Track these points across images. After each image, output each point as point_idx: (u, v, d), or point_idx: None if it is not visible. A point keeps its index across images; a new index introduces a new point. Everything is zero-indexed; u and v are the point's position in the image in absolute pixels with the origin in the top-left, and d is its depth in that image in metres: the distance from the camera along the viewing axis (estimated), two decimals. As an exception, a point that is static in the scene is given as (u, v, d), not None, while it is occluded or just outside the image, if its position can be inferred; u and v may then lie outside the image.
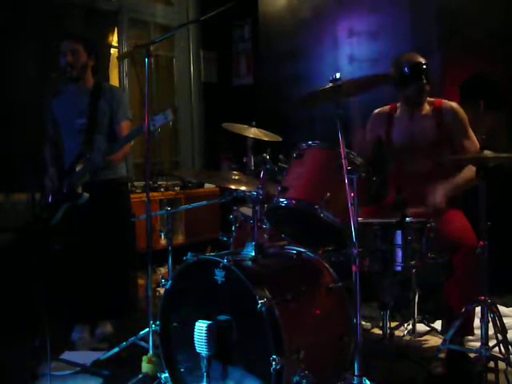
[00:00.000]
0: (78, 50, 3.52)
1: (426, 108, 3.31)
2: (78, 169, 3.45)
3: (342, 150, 2.25)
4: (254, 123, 3.34)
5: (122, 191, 3.80)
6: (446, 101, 3.31)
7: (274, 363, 2.15)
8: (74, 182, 3.42)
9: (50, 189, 3.55)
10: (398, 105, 3.42)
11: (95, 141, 3.54)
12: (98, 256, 3.55)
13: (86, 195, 3.40)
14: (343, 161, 2.23)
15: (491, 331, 2.71)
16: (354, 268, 2.16)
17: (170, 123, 2.89)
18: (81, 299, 3.59)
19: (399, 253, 2.68)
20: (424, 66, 3.21)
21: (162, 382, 2.61)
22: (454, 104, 3.29)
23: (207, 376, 2.33)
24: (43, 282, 3.56)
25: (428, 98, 3.32)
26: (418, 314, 3.40)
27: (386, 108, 3.45)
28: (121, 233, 3.65)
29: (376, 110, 3.49)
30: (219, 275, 2.39)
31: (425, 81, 3.20)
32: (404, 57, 3.28)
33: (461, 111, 3.25)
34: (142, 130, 3.11)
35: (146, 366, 2.72)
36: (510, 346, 2.70)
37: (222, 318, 2.36)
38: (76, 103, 3.59)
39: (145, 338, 3.03)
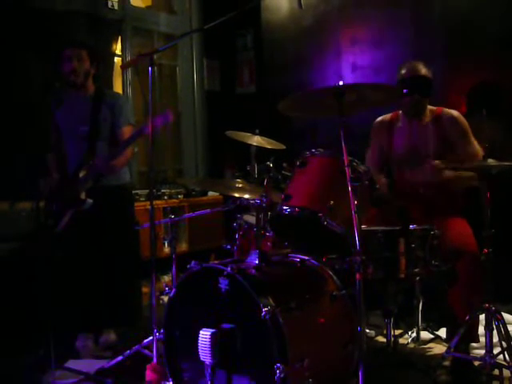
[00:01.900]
0: (82, 56, 3.52)
1: (427, 117, 3.28)
2: (81, 175, 3.46)
3: (345, 158, 2.25)
4: (257, 131, 3.35)
5: (126, 197, 3.80)
6: (446, 109, 3.28)
7: (278, 371, 2.15)
8: (78, 188, 3.43)
9: (51, 195, 3.55)
10: (400, 112, 3.40)
11: (98, 147, 3.55)
12: (101, 263, 3.55)
13: (90, 201, 3.40)
14: (346, 169, 2.24)
15: (496, 339, 2.71)
16: (357, 276, 2.16)
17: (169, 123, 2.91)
18: (85, 307, 3.59)
19: (403, 260, 2.68)
20: (423, 79, 3.18)
21: (166, 390, 2.62)
22: (454, 112, 3.26)
23: (211, 384, 2.33)
24: (47, 291, 3.56)
25: (430, 107, 3.31)
26: (422, 322, 3.40)
27: (388, 116, 3.44)
28: (124, 240, 3.65)
29: (378, 118, 3.48)
30: (223, 283, 2.39)
31: (419, 95, 3.18)
32: (407, 65, 3.24)
33: (461, 118, 3.23)
34: (142, 132, 3.12)
35: (150, 375, 2.72)
36: (514, 354, 2.70)
37: (226, 326, 2.36)
38: (78, 110, 3.60)
39: (149, 347, 3.03)
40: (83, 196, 3.41)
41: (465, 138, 3.21)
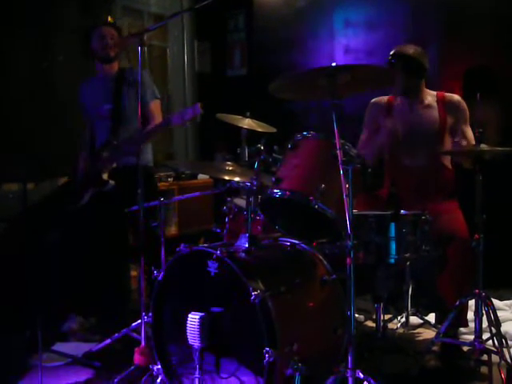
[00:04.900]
0: (114, 35, 3.63)
1: (428, 99, 3.28)
2: (104, 155, 3.49)
3: (336, 141, 2.22)
4: (248, 114, 3.32)
5: (146, 177, 3.76)
6: (448, 93, 3.29)
7: (267, 355, 2.14)
8: (100, 168, 3.46)
9: (79, 173, 3.59)
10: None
11: (121, 127, 3.57)
12: (106, 246, 3.55)
13: (112, 183, 3.43)
14: (338, 152, 2.21)
15: (485, 324, 2.71)
16: (348, 260, 2.15)
17: (199, 117, 3.02)
18: (75, 290, 3.58)
19: (393, 245, 2.68)
20: (405, 57, 3.17)
21: (154, 373, 2.60)
22: (457, 96, 3.28)
23: (200, 368, 2.32)
24: (37, 273, 3.54)
25: (429, 90, 3.30)
26: (411, 307, 3.41)
27: (385, 98, 3.41)
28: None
29: (374, 99, 3.44)
30: (212, 267, 2.37)
31: (400, 71, 3.17)
32: (397, 46, 3.25)
33: (464, 103, 3.25)
34: (170, 123, 3.18)
35: (138, 358, 2.71)
36: (503, 340, 2.71)
37: (215, 309, 2.35)
38: (102, 89, 3.64)
39: (137, 330, 3.02)
40: (105, 177, 3.45)
41: (466, 123, 3.23)
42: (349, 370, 2.15)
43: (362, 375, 2.16)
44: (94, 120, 3.72)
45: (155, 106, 3.65)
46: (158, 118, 3.64)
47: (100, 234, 3.56)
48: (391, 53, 3.21)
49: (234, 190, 3.20)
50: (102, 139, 3.60)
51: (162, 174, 5.24)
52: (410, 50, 3.18)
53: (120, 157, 3.50)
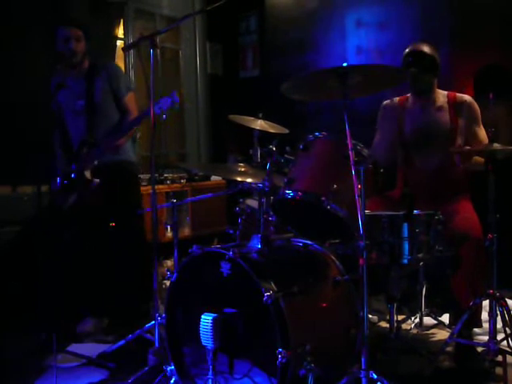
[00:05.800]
0: (80, 36, 3.52)
1: (440, 100, 3.27)
2: (83, 154, 3.45)
3: (348, 142, 2.22)
4: (260, 115, 3.32)
5: (132, 172, 3.77)
6: (459, 94, 3.27)
7: (280, 356, 2.14)
8: (82, 167, 3.42)
9: (60, 173, 3.56)
10: (409, 95, 3.37)
11: (97, 121, 3.54)
12: (107, 243, 3.54)
13: (96, 180, 3.39)
14: (350, 152, 2.21)
15: (499, 325, 2.69)
16: (360, 261, 2.14)
17: (177, 105, 2.88)
18: (88, 291, 3.59)
19: (406, 245, 2.66)
20: (421, 55, 3.16)
21: (168, 374, 2.61)
22: (468, 97, 3.26)
23: (213, 369, 2.32)
24: (50, 274, 3.56)
25: (440, 90, 3.29)
26: (425, 308, 3.39)
27: (396, 99, 3.40)
28: (130, 217, 3.60)
29: (385, 102, 3.44)
30: (225, 268, 2.37)
31: (416, 69, 3.15)
32: (411, 44, 3.24)
33: (475, 104, 3.23)
34: (147, 114, 3.10)
35: (151, 359, 2.72)
36: (518, 340, 2.69)
37: (228, 310, 2.35)
38: (74, 87, 3.59)
39: (151, 331, 3.03)
40: (88, 175, 3.40)
41: (477, 123, 3.21)
42: (362, 371, 2.15)
43: (375, 376, 2.15)
44: (68, 118, 3.66)
45: (130, 99, 3.61)
46: (133, 110, 3.60)
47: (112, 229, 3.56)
48: (406, 51, 3.20)
49: (247, 191, 3.20)
50: (78, 136, 3.56)
51: (175, 176, 5.27)
52: (425, 47, 3.18)
53: (99, 154, 3.45)
